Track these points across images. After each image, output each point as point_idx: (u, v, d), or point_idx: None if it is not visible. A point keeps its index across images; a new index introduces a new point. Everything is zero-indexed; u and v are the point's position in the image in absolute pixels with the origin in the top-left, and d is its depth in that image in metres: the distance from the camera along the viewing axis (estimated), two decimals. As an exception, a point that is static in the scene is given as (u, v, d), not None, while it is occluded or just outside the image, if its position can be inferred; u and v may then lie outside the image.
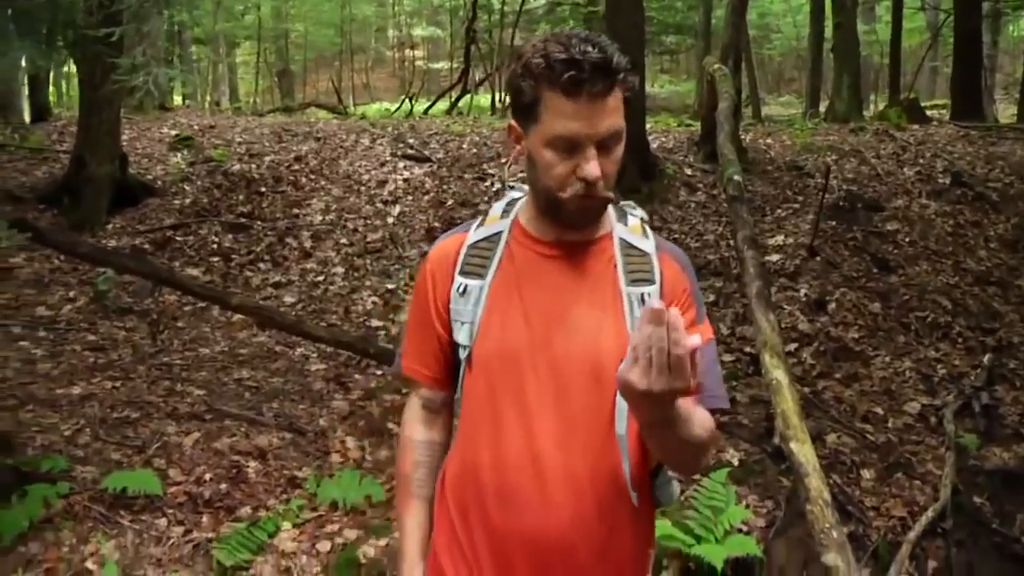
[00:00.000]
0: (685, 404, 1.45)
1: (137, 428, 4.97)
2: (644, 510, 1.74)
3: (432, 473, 1.88)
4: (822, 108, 16.85)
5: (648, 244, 1.73)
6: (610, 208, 1.75)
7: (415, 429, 1.90)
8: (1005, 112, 19.51)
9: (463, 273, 1.75)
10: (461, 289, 1.74)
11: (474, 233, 1.79)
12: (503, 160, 10.19)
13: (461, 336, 1.74)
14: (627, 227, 1.75)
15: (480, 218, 1.82)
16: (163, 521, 4.00)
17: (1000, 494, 5.06)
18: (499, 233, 1.77)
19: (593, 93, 1.53)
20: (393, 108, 19.03)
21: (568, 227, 1.70)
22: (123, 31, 3.67)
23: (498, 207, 1.82)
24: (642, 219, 1.79)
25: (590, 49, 1.53)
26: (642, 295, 1.67)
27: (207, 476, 4.36)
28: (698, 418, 1.53)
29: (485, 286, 1.73)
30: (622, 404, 1.63)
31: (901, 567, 4.47)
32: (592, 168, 1.56)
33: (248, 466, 4.49)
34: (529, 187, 1.73)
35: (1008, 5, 19.27)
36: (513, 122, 1.68)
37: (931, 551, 4.75)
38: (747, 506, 4.29)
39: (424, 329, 1.82)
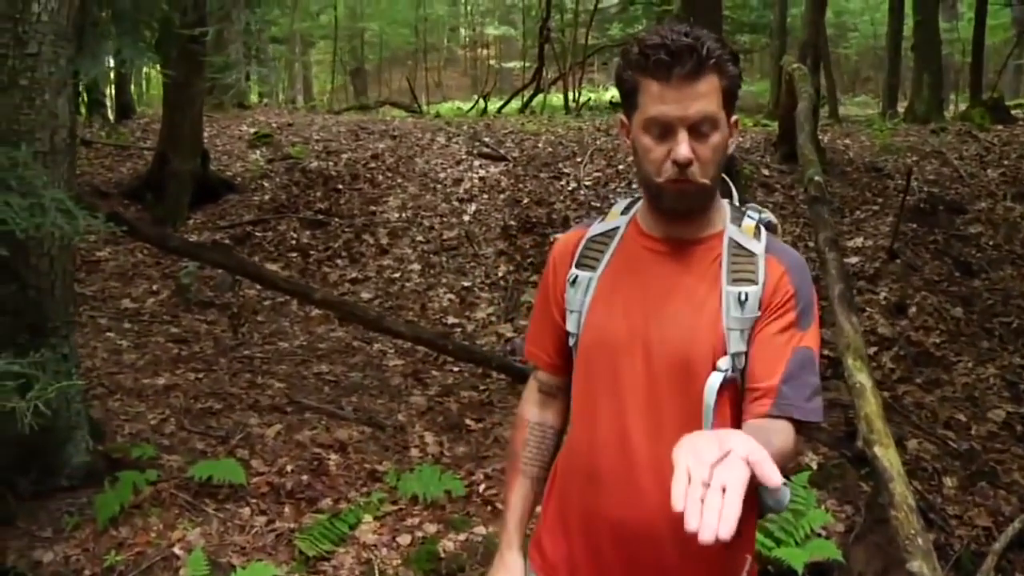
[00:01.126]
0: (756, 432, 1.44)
1: (220, 419, 5.10)
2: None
3: (540, 453, 1.95)
4: (900, 108, 16.50)
5: (758, 246, 1.72)
6: (727, 208, 1.77)
7: (530, 410, 1.98)
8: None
9: (578, 265, 1.81)
10: (572, 279, 1.80)
11: (595, 227, 1.84)
12: (579, 159, 10.19)
13: (571, 324, 1.80)
14: (740, 228, 1.74)
15: (603, 215, 1.87)
16: (246, 510, 4.09)
17: (1089, 505, 4.92)
18: (616, 228, 1.82)
19: (682, 76, 1.57)
20: (465, 107, 19.13)
21: (672, 218, 1.72)
22: (215, 30, 3.76)
23: (620, 205, 1.87)
24: (760, 221, 1.77)
25: (682, 35, 1.58)
26: (740, 294, 1.67)
27: (289, 467, 4.45)
28: (775, 442, 1.50)
29: (595, 278, 1.78)
30: (708, 402, 1.63)
31: (986, 577, 4.38)
32: (682, 150, 1.58)
33: (329, 459, 4.57)
34: (638, 181, 1.76)
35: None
36: (622, 115, 1.74)
37: (1018, 563, 4.63)
38: (826, 510, 4.23)
39: (544, 316, 1.90)
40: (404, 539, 3.85)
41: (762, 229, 1.75)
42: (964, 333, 6.51)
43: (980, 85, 15.71)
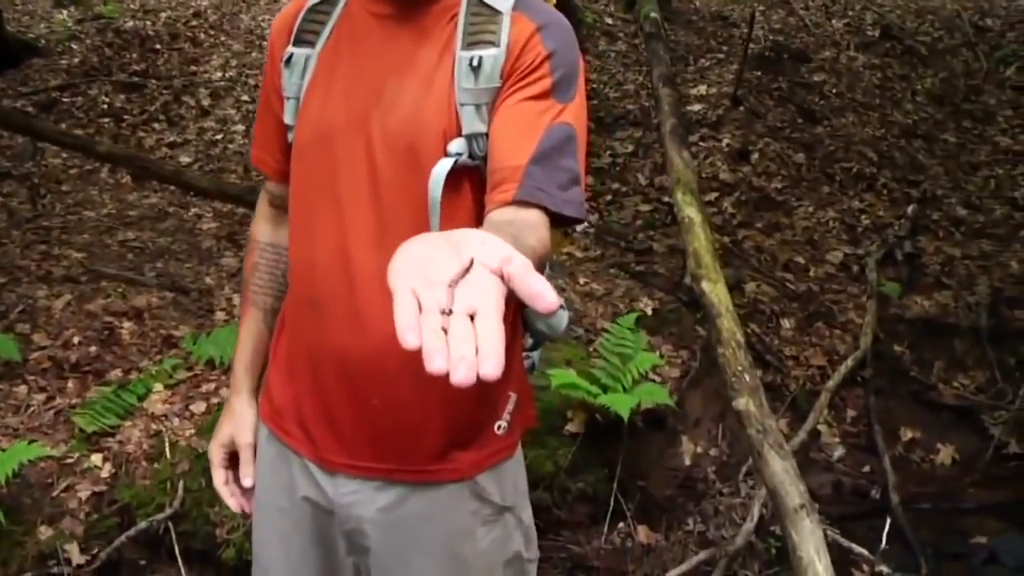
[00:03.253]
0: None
1: (2, 294, 4.54)
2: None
3: (274, 279, 1.60)
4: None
5: (504, 2, 1.34)
6: None
7: (261, 228, 1.64)
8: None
9: (296, 42, 1.42)
10: (288, 59, 1.42)
11: None
12: None
13: (287, 115, 1.43)
14: None
15: None
16: (23, 388, 3.63)
17: (920, 342, 4.94)
18: None
19: None
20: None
21: None
22: None
23: None
24: None
25: None
26: (473, 59, 1.30)
27: (76, 339, 3.98)
28: (530, 241, 1.15)
29: (313, 55, 1.40)
30: (435, 195, 1.29)
31: (819, 415, 4.34)
32: None
33: (122, 327, 4.11)
34: None
35: None
36: None
37: (850, 400, 4.63)
38: (661, 356, 4.05)
39: (267, 112, 1.52)
40: (198, 407, 3.48)
41: None
42: (805, 179, 6.43)
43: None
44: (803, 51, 8.40)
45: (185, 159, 7.06)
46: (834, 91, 7.79)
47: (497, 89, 1.31)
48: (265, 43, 8.72)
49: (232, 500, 1.61)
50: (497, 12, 1.33)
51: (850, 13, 9.70)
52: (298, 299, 1.47)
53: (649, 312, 4.38)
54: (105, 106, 8.01)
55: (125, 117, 7.84)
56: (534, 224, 1.22)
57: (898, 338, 4.93)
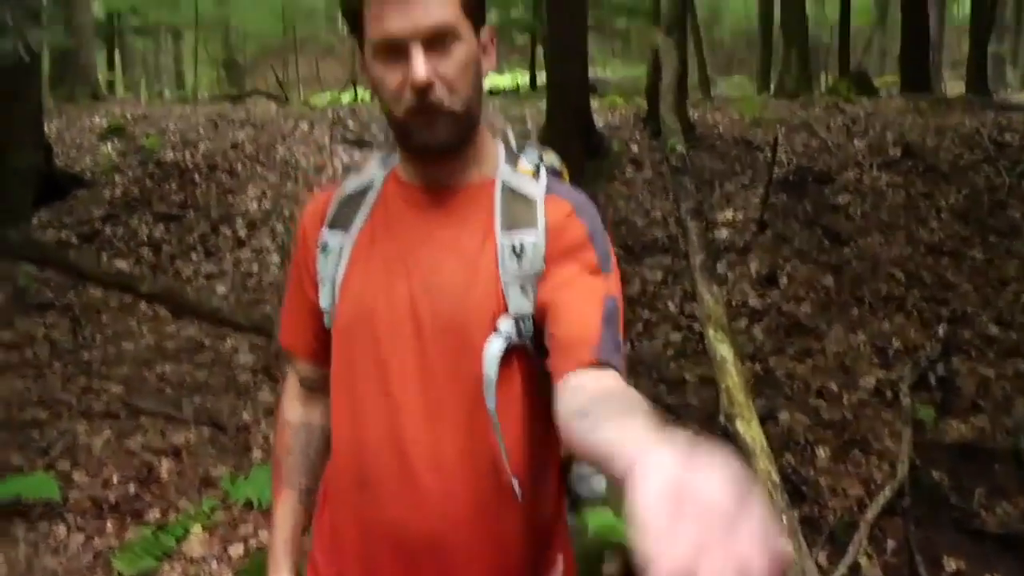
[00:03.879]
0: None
1: (44, 429, 4.63)
2: (539, 503, 1.47)
3: (307, 459, 1.64)
4: (773, 86, 16.75)
5: (536, 188, 1.43)
6: (500, 149, 1.48)
7: (292, 409, 1.66)
8: (953, 89, 19.54)
9: (330, 227, 1.49)
10: (324, 245, 1.48)
11: (347, 184, 1.52)
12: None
13: (324, 299, 1.49)
14: (515, 170, 1.45)
15: (358, 171, 1.56)
16: (62, 529, 3.68)
17: (958, 468, 4.87)
18: (371, 183, 1.50)
19: None
20: (344, 97, 18.66)
21: (428, 159, 1.42)
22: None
23: (376, 158, 1.55)
24: (540, 162, 1.48)
25: None
26: (516, 245, 1.38)
27: (115, 478, 4.04)
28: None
29: (348, 240, 1.46)
30: (489, 374, 1.35)
31: (859, 548, 4.26)
32: (419, 71, 1.29)
33: (161, 466, 4.17)
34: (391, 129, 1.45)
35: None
36: (360, 58, 1.43)
37: (889, 530, 4.55)
38: (695, 491, 4.03)
39: (298, 295, 1.57)
40: (236, 550, 3.50)
41: (542, 170, 1.46)
42: (834, 302, 6.46)
43: (847, 63, 16.07)
44: (827, 172, 8.53)
45: (222, 289, 7.22)
46: (859, 212, 7.88)
47: (540, 272, 1.38)
48: (300, 174, 9.04)
49: None
50: (530, 197, 1.42)
51: (871, 133, 9.87)
52: (345, 477, 1.49)
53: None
54: (145, 236, 8.25)
55: (164, 247, 8.06)
56: (621, 385, 1.26)
57: (936, 464, 4.87)
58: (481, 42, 1.39)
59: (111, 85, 19.47)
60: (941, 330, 6.09)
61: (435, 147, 1.37)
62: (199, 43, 23.13)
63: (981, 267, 7.24)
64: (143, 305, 6.90)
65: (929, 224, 7.87)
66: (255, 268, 7.56)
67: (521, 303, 1.37)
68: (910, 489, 4.59)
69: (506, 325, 1.37)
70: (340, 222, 1.48)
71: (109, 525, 3.70)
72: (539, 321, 1.38)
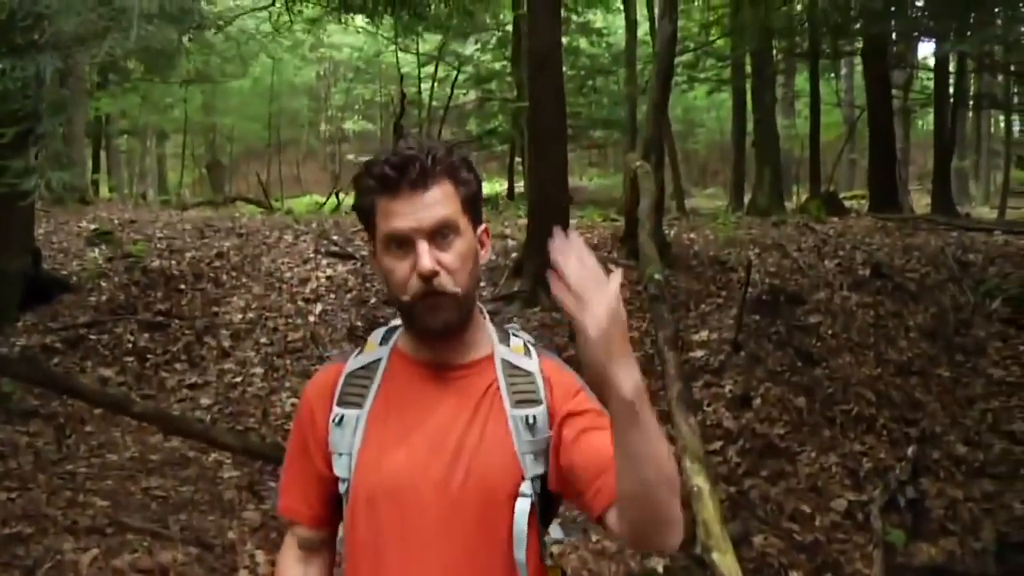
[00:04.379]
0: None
1: (30, 546, 4.66)
2: None
3: None
4: (746, 200, 17.24)
5: (532, 363, 1.66)
6: (492, 330, 1.70)
7: (291, 570, 1.78)
8: (919, 202, 20.19)
9: (341, 403, 1.65)
10: (338, 420, 1.64)
11: (353, 361, 1.70)
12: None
13: (340, 469, 1.64)
14: (509, 348, 1.68)
15: (359, 347, 1.74)
16: (49, 654, 3.71)
17: (929, 592, 5.00)
18: (378, 360, 1.68)
19: (412, 184, 1.53)
20: (323, 201, 18.98)
21: (432, 340, 1.62)
22: (19, 132, 3.54)
23: (377, 335, 1.74)
24: (526, 342, 1.71)
25: (406, 148, 1.55)
26: (528, 418, 1.59)
27: (102, 600, 4.09)
28: (657, 428, 1.41)
29: (363, 415, 1.63)
30: (520, 528, 1.55)
31: (833, 675, 4.36)
32: (424, 261, 1.52)
33: (148, 586, 4.22)
34: (397, 313, 1.67)
35: (916, 102, 20.12)
36: (370, 249, 1.66)
37: (862, 656, 4.65)
38: (673, 617, 4.14)
39: (303, 463, 1.72)
40: None
41: (532, 348, 1.70)
42: (807, 423, 6.63)
43: (819, 177, 16.62)
44: (798, 293, 8.79)
45: (205, 400, 7.31)
46: (830, 332, 8.11)
47: (548, 438, 1.59)
48: (284, 286, 9.21)
49: None
50: (529, 373, 1.64)
51: (840, 253, 10.21)
52: None
53: (660, 570, 4.49)
54: (130, 344, 8.34)
55: (148, 356, 8.15)
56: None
57: (907, 588, 5.00)
58: (478, 236, 1.62)
59: (96, 186, 19.72)
60: (910, 451, 6.25)
61: (439, 328, 1.58)
62: (186, 146, 23.55)
63: (948, 386, 7.44)
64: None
65: (898, 343, 8.09)
66: (239, 380, 7.66)
67: (535, 467, 1.58)
68: (882, 614, 4.71)
69: (526, 487, 1.57)
70: (351, 398, 1.65)
71: (96, 649, 3.75)
72: (555, 475, 1.59)
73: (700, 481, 3.70)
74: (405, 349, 1.68)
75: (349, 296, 9.11)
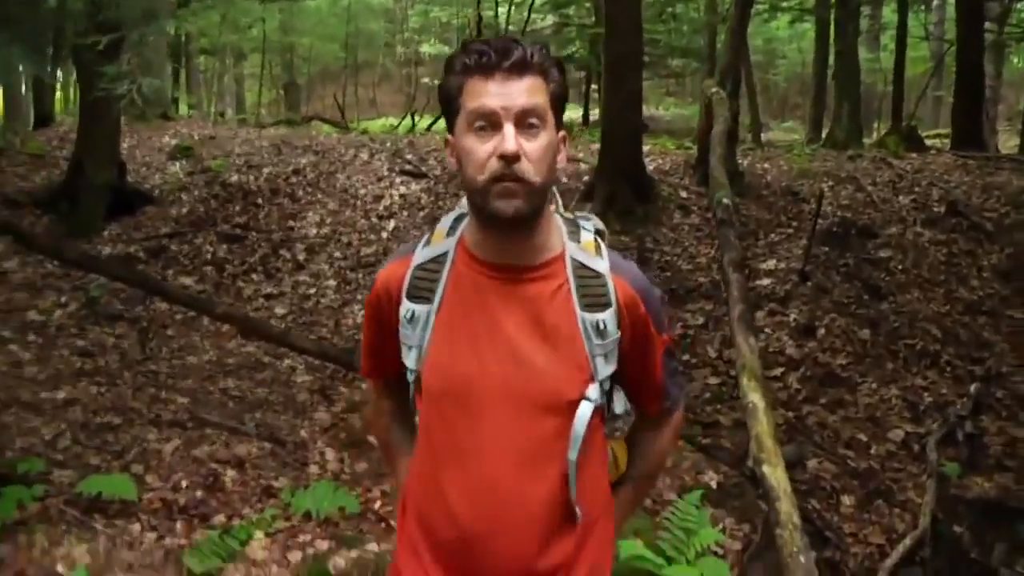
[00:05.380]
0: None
1: (118, 434, 4.98)
2: (598, 519, 1.76)
3: (410, 439, 1.86)
4: (824, 135, 16.89)
5: (602, 264, 1.68)
6: (562, 225, 1.72)
7: (382, 409, 1.97)
8: (1007, 143, 19.50)
9: (410, 297, 1.71)
10: (409, 315, 1.70)
11: (420, 253, 1.74)
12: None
13: (409, 360, 1.72)
14: (580, 245, 1.70)
15: (427, 236, 1.78)
16: (136, 526, 3.99)
17: (980, 524, 5.03)
18: (445, 254, 1.72)
19: (507, 69, 1.55)
20: (397, 123, 19.09)
21: (500, 232, 1.64)
22: (112, 39, 3.70)
23: (445, 223, 1.77)
24: (597, 232, 1.74)
25: (504, 41, 1.58)
26: (599, 322, 1.65)
27: (183, 483, 4.36)
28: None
29: (432, 311, 1.69)
30: (578, 432, 1.64)
31: (877, 594, 4.45)
32: (509, 142, 1.53)
33: (225, 475, 4.49)
34: (466, 198, 1.69)
35: (1011, 36, 19.31)
36: (448, 136, 1.67)
37: (907, 579, 4.73)
38: (723, 529, 4.27)
39: (376, 335, 1.83)
40: (295, 556, 3.79)
41: (602, 245, 1.73)
42: (870, 355, 6.64)
43: (901, 114, 16.15)
44: (870, 227, 8.70)
45: (280, 310, 7.57)
46: (900, 267, 8.04)
47: (618, 339, 1.67)
48: (358, 203, 9.40)
49: None
50: (600, 274, 1.68)
51: (916, 189, 10.02)
52: (435, 514, 1.72)
53: (714, 485, 4.62)
54: (209, 255, 8.65)
55: (226, 266, 8.44)
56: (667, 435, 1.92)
57: (958, 519, 5.04)
58: (559, 138, 1.64)
59: (176, 104, 20.10)
60: (973, 388, 6.23)
61: (511, 215, 1.58)
62: (264, 66, 23.78)
63: (1019, 327, 7.35)
64: (206, 321, 7.27)
65: (969, 282, 7.99)
66: (312, 291, 7.91)
67: (604, 369, 1.67)
68: (931, 541, 4.76)
69: (593, 391, 1.65)
70: (420, 293, 1.71)
71: (179, 526, 4.02)
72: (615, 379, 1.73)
73: (756, 398, 3.79)
74: (472, 244, 1.69)
75: (422, 214, 9.26)
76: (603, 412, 1.73)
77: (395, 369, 1.79)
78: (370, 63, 34.01)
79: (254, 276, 8.27)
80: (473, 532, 1.67)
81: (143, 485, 4.32)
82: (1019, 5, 20.27)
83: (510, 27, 20.27)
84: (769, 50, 28.75)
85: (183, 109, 21.03)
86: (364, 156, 11.19)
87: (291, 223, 9.20)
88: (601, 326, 1.65)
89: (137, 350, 6.63)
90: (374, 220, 9.19)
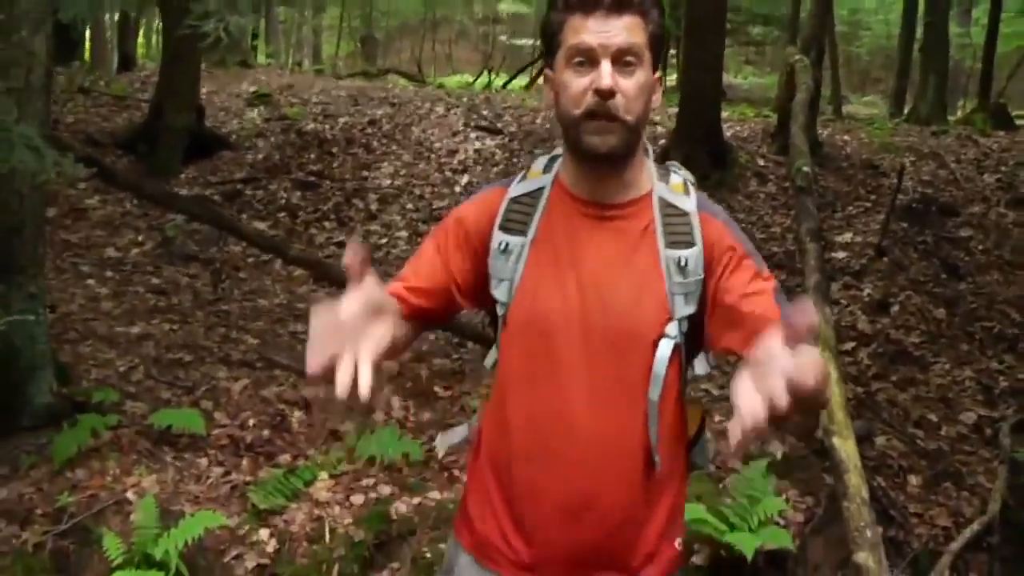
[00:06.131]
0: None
1: (189, 371, 5.09)
2: (673, 476, 1.74)
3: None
4: (907, 111, 16.44)
5: (689, 203, 1.67)
6: (653, 167, 1.71)
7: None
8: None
9: (504, 229, 1.70)
10: (503, 246, 1.68)
11: (516, 187, 1.74)
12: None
13: (499, 293, 1.70)
14: (668, 186, 1.69)
15: (523, 172, 1.78)
16: (204, 461, 4.08)
17: (1051, 513, 4.91)
18: (541, 189, 1.72)
19: (607, 8, 1.54)
20: (472, 80, 19.06)
21: (594, 167, 1.64)
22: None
23: (541, 162, 1.77)
24: (685, 179, 1.72)
25: None
26: (681, 259, 1.62)
27: (251, 421, 4.44)
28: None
29: (526, 244, 1.68)
30: (658, 370, 1.61)
31: (940, 576, 4.37)
32: (605, 79, 1.54)
33: (292, 416, 4.56)
34: (562, 133, 1.68)
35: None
36: (547, 71, 1.68)
37: (974, 564, 4.62)
38: (787, 500, 4.21)
39: (432, 263, 1.71)
40: (357, 499, 3.84)
41: (690, 186, 1.71)
42: (944, 335, 6.49)
43: (989, 92, 15.62)
44: (951, 205, 8.47)
45: (350, 259, 7.63)
46: (980, 247, 7.83)
47: (700, 280, 1.63)
48: (433, 156, 9.41)
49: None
50: (686, 213, 1.66)
51: (1003, 169, 9.72)
52: (511, 448, 1.72)
53: (779, 456, 4.56)
54: (283, 201, 8.75)
55: (299, 213, 8.54)
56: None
57: (1028, 507, 4.93)
58: (655, 79, 1.63)
59: (255, 52, 20.28)
60: (1051, 374, 6.07)
61: (604, 151, 1.59)
62: (343, 18, 23.85)
63: (1102, 315, 7.14)
64: (278, 265, 7.37)
65: (1054, 267, 7.77)
66: (384, 242, 7.96)
67: (684, 308, 1.63)
68: (999, 527, 4.66)
69: (672, 329, 1.62)
70: (515, 225, 1.69)
71: (245, 463, 4.10)
72: (698, 320, 1.64)
73: (829, 369, 3.72)
74: (566, 181, 1.70)
75: (496, 170, 9.24)
76: (681, 359, 1.68)
77: (420, 297, 1.67)
78: (448, 19, 33.92)
79: (326, 224, 8.35)
80: (529, 453, 1.68)
81: (212, 421, 4.41)
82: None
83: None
84: (854, 21, 27.99)
85: (261, 58, 21.22)
86: (440, 110, 11.19)
87: (365, 173, 9.25)
88: (683, 262, 1.62)
89: (210, 290, 6.76)
90: (448, 174, 9.20)
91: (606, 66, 1.54)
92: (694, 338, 1.68)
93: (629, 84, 1.56)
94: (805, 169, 5.50)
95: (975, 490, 4.90)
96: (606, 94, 1.54)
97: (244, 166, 9.51)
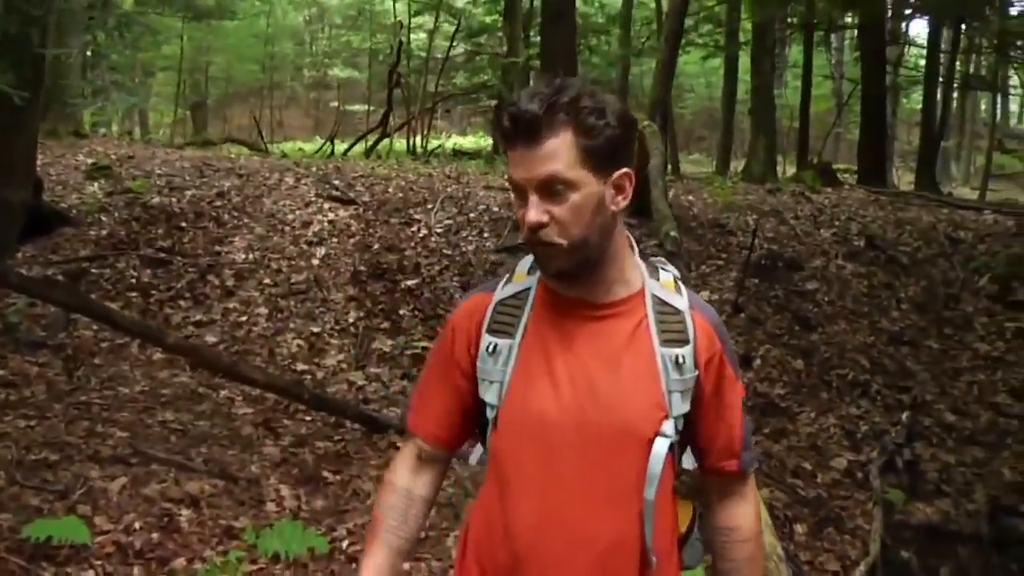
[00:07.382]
0: None
1: (57, 472, 4.72)
2: (668, 572, 1.74)
3: (405, 522, 1.83)
4: (732, 167, 17.35)
5: (681, 301, 1.70)
6: (642, 264, 1.74)
7: (400, 474, 1.86)
8: (903, 179, 20.40)
9: (492, 331, 1.71)
10: (490, 348, 1.70)
11: (502, 290, 1.76)
12: (430, 206, 10.17)
13: (489, 396, 1.71)
14: (659, 283, 1.72)
15: (508, 275, 1.79)
16: (90, 573, 3.79)
17: (926, 548, 5.18)
18: (527, 290, 1.74)
19: (525, 139, 1.56)
20: (308, 147, 18.89)
21: (556, 282, 1.70)
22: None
23: (524, 264, 1.78)
24: (675, 276, 1.76)
25: (531, 97, 1.56)
26: (678, 357, 1.65)
27: (137, 524, 4.15)
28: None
29: (515, 346, 1.69)
30: (654, 469, 1.63)
31: (835, 623, 4.53)
32: (531, 213, 1.57)
33: (180, 514, 4.29)
34: None
35: (905, 80, 20.28)
36: None
37: (864, 606, 4.82)
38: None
39: (442, 385, 1.80)
40: (266, 601, 3.66)
41: (680, 284, 1.75)
42: (805, 384, 6.81)
43: (807, 149, 16.72)
44: (796, 259, 8.95)
45: (211, 338, 7.34)
46: (826, 299, 8.29)
47: (696, 377, 1.66)
48: (287, 228, 9.22)
49: None
50: (679, 311, 1.69)
51: (836, 223, 10.37)
52: (502, 550, 1.70)
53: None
54: (133, 280, 8.33)
55: (152, 292, 8.15)
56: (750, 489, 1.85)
57: (905, 544, 5.17)
58: (613, 183, 1.61)
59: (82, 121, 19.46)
60: (904, 417, 6.44)
61: (552, 273, 1.65)
62: (179, 85, 23.28)
63: (937, 357, 7.65)
64: (134, 348, 7.00)
65: (890, 313, 8.30)
66: (243, 319, 7.70)
67: (680, 406, 1.66)
68: (882, 566, 4.88)
69: (669, 428, 1.64)
70: (502, 327, 1.71)
71: (136, 571, 3.83)
72: (691, 418, 1.69)
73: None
74: (550, 282, 1.71)
75: (352, 241, 9.12)
76: (675, 456, 1.71)
77: (445, 421, 1.80)
78: (279, 85, 33.63)
79: (181, 303, 8.01)
80: (529, 558, 1.66)
81: (93, 527, 4.10)
82: (912, 51, 21.35)
83: (423, 53, 20.27)
84: (678, 84, 29.37)
85: (86, 129, 20.37)
86: (290, 181, 10.99)
87: (218, 248, 8.95)
88: (680, 360, 1.65)
89: (64, 380, 6.34)
90: (304, 246, 9.02)
91: (532, 199, 1.58)
92: (686, 436, 1.72)
93: (560, 210, 1.58)
94: (673, 234, 5.71)
95: (856, 532, 5.13)
96: (534, 227, 1.58)
97: (88, 243, 9.02)
